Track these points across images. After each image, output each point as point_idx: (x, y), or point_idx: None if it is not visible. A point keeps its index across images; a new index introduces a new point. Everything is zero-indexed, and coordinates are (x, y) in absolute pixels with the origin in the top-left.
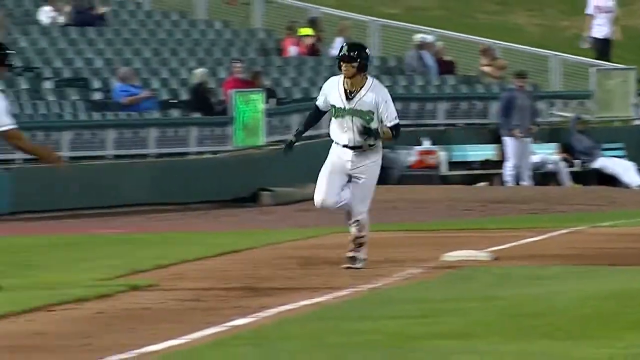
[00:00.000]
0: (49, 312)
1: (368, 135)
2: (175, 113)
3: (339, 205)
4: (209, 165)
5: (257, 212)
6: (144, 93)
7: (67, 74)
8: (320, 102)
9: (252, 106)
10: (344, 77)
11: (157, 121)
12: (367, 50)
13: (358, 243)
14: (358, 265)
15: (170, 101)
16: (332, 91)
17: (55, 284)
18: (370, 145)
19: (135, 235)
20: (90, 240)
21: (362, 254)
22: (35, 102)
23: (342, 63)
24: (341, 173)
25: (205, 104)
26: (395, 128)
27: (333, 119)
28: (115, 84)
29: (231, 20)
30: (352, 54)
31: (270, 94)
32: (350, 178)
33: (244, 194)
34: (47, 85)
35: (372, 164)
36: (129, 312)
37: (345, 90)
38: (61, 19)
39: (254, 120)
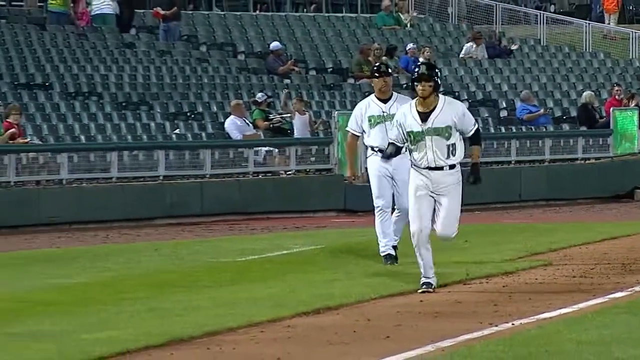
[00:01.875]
0: (465, 285)
1: (477, 182)
2: (566, 126)
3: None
4: (592, 169)
5: (633, 206)
6: (541, 111)
7: (479, 96)
8: (395, 137)
9: (628, 121)
10: (417, 99)
11: (551, 133)
12: (437, 70)
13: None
14: (433, 288)
15: (562, 117)
16: (406, 119)
17: (470, 263)
18: (453, 166)
19: (533, 224)
20: (499, 228)
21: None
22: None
23: (418, 83)
24: (427, 195)
25: (590, 119)
26: (476, 134)
27: (412, 146)
28: (518, 104)
29: (612, 52)
30: (429, 72)
31: None
32: (433, 199)
33: (621, 192)
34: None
35: (455, 184)
36: (528, 285)
37: (419, 112)
38: (477, 53)
39: (630, 132)
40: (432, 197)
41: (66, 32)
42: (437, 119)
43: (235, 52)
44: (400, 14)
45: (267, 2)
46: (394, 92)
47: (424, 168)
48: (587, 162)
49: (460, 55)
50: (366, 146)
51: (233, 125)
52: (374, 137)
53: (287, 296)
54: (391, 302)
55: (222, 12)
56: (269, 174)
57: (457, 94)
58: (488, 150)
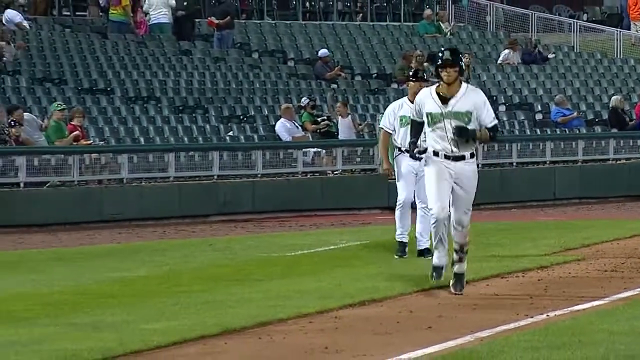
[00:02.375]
0: (502, 279)
1: (463, 135)
2: (598, 129)
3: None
4: (623, 168)
5: None
6: (574, 114)
7: (516, 100)
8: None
9: None
10: (441, 85)
11: (584, 135)
12: (461, 55)
13: (466, 250)
14: (464, 283)
15: (595, 120)
16: (426, 101)
17: (507, 258)
18: (472, 155)
19: (566, 221)
20: (534, 225)
21: (464, 267)
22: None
23: (443, 69)
24: (446, 180)
25: (620, 122)
26: (494, 129)
27: (429, 130)
28: (553, 108)
29: None
30: (453, 57)
31: None
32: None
33: None
34: (501, 108)
35: (471, 173)
36: (561, 279)
37: (440, 96)
38: (513, 59)
39: None
40: (451, 183)
41: (126, 40)
42: (458, 104)
43: (286, 59)
44: (441, 22)
45: (316, 11)
46: None
47: (445, 158)
48: (618, 162)
49: (498, 62)
50: (394, 146)
51: (283, 127)
52: (403, 137)
53: (334, 289)
54: (432, 295)
55: (273, 21)
56: (317, 174)
57: (494, 97)
58: (524, 151)
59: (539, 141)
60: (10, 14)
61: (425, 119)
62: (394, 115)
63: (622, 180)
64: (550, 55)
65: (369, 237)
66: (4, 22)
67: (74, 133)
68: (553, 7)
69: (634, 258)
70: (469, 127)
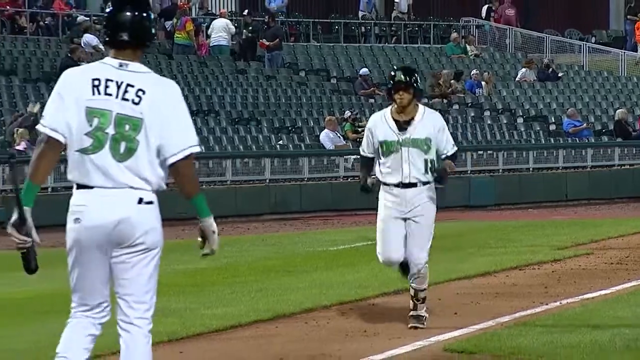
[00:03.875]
0: (520, 270)
1: (444, 180)
2: (605, 138)
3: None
4: (628, 173)
5: None
6: (584, 125)
7: (532, 113)
8: (365, 148)
9: None
10: (395, 107)
11: (592, 144)
12: (416, 75)
13: (422, 298)
14: (423, 323)
15: (602, 130)
16: (377, 127)
17: (524, 252)
18: (425, 183)
19: (577, 220)
20: (549, 223)
21: (424, 311)
22: (511, 131)
23: (396, 92)
24: (397, 219)
25: (624, 132)
26: (454, 157)
27: (382, 159)
28: (565, 120)
29: None
30: (407, 79)
31: None
32: (405, 221)
33: None
34: (519, 120)
35: (428, 202)
36: (572, 271)
37: (396, 121)
38: (530, 77)
39: None
40: (403, 219)
41: (189, 60)
42: (417, 130)
43: (329, 77)
44: (467, 45)
45: (356, 35)
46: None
47: (395, 185)
48: (622, 167)
49: (516, 79)
50: None
51: (327, 137)
52: None
53: (372, 279)
54: (458, 284)
55: (318, 44)
56: (356, 178)
57: (513, 111)
58: (539, 158)
59: (553, 149)
60: (88, 38)
61: (378, 148)
62: None
63: (626, 183)
64: (561, 74)
65: None
66: (82, 44)
67: None
68: (565, 31)
69: (637, 252)
70: (429, 156)
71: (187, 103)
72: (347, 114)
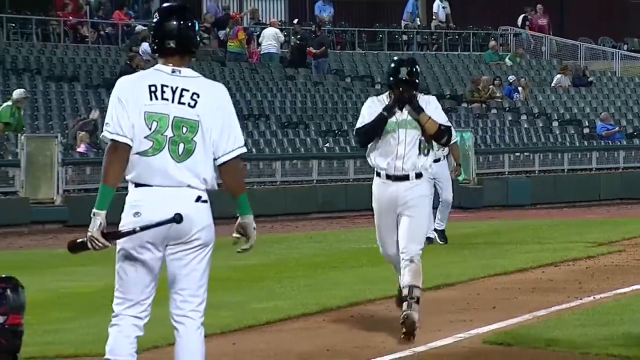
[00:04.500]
0: (555, 267)
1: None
2: (636, 141)
3: None
4: None
5: None
6: (616, 128)
7: (567, 117)
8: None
9: None
10: (391, 96)
11: (624, 146)
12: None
13: (416, 296)
14: (415, 329)
15: (633, 133)
16: (376, 107)
17: (559, 249)
18: (419, 176)
19: (609, 219)
20: (583, 222)
21: (416, 313)
22: (546, 134)
23: (397, 87)
24: (390, 213)
25: None
26: (448, 130)
27: (378, 141)
28: (598, 123)
29: None
30: (411, 78)
31: None
32: (398, 215)
33: None
34: (554, 124)
35: (421, 196)
36: (606, 267)
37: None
38: (565, 82)
39: None
40: (396, 213)
41: (241, 67)
42: (412, 112)
43: (373, 83)
44: (517, 57)
45: (399, 43)
46: None
47: (388, 177)
48: None
49: (552, 85)
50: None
51: None
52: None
53: None
54: (497, 280)
55: (363, 51)
56: None
57: (549, 115)
58: (574, 160)
59: (586, 151)
60: (145, 46)
61: None
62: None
63: None
64: (594, 79)
65: None
66: (140, 52)
67: None
68: (598, 39)
69: None
70: (426, 143)
71: (239, 108)
72: None
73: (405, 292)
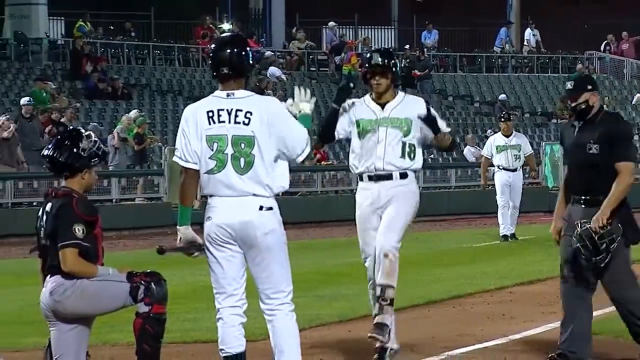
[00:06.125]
0: None
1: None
2: None
3: None
4: None
5: None
6: None
7: None
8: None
9: None
10: (371, 95)
11: None
12: (395, 59)
13: (389, 298)
14: (385, 336)
15: None
16: (357, 107)
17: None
18: (403, 176)
19: None
20: None
21: (390, 318)
22: None
23: (372, 77)
24: (373, 216)
25: None
26: (452, 137)
27: (358, 141)
28: None
29: None
30: (385, 61)
31: None
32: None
33: None
34: (635, 137)
35: (406, 192)
36: None
37: (374, 101)
38: None
39: None
40: (379, 216)
41: (355, 88)
42: (397, 109)
43: (472, 101)
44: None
45: (495, 66)
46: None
47: (370, 179)
48: None
49: (632, 102)
50: (495, 165)
51: (469, 151)
52: (500, 158)
53: (509, 271)
54: None
55: (464, 73)
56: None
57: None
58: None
59: None
60: (273, 70)
61: (354, 129)
62: (491, 146)
63: None
64: None
65: (534, 234)
66: (267, 75)
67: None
68: None
69: None
70: (409, 140)
71: None
72: (489, 132)
73: (377, 291)
